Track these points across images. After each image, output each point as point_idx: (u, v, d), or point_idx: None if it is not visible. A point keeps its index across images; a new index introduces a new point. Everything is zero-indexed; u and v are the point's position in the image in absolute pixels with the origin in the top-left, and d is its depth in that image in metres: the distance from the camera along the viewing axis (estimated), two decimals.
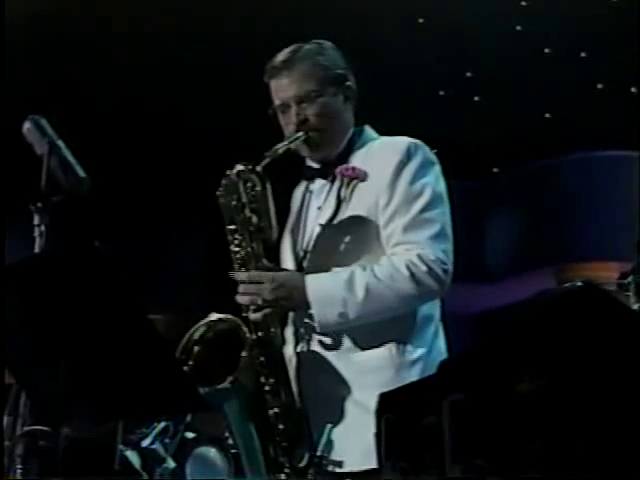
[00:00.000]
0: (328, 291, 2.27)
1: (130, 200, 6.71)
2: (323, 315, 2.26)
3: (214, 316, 2.38)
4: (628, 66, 5.53)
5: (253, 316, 2.30)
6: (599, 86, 6.11)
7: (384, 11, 5.54)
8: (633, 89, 6.01)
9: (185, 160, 6.50)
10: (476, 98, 6.43)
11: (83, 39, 5.70)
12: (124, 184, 6.41)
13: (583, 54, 5.91)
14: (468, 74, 6.22)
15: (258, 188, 2.34)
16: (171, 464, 3.95)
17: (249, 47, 5.30)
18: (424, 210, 2.32)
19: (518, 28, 5.82)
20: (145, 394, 2.07)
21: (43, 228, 2.25)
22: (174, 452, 4.01)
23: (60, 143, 2.33)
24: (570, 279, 6.58)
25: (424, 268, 2.25)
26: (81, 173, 2.32)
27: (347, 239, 2.36)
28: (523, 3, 5.68)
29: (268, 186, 2.34)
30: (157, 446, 3.96)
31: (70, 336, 2.02)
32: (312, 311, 2.27)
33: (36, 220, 2.26)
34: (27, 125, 2.36)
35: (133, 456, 3.85)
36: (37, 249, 2.23)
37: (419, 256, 2.26)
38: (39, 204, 2.24)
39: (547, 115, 6.44)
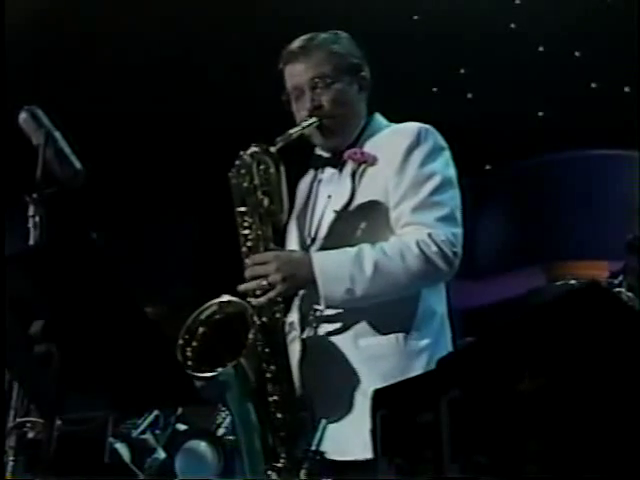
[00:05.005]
0: (335, 266, 2.23)
1: (126, 192, 6.69)
2: (329, 290, 2.21)
3: (225, 297, 2.34)
4: (622, 65, 5.54)
5: (256, 301, 2.25)
6: (593, 85, 6.12)
7: (378, 8, 5.53)
8: (627, 88, 6.02)
9: (181, 154, 6.47)
10: (469, 95, 6.42)
11: (79, 33, 5.67)
12: (119, 176, 6.39)
13: (577, 53, 5.91)
14: (462, 71, 6.22)
15: (272, 170, 2.31)
16: (161, 454, 3.94)
17: (248, 44, 5.30)
18: (433, 193, 2.31)
19: (512, 26, 5.82)
20: (139, 386, 2.07)
21: (38, 219, 2.24)
22: (165, 444, 4.00)
23: (57, 134, 2.32)
24: (560, 277, 6.58)
25: (434, 248, 2.24)
26: (77, 164, 2.31)
27: (359, 226, 2.33)
28: (517, 1, 5.68)
29: (282, 169, 2.32)
30: (148, 436, 3.96)
31: (64, 327, 2.01)
32: (318, 285, 2.22)
33: (31, 211, 2.25)
34: (23, 115, 2.35)
35: (123, 449, 3.84)
36: (32, 240, 2.22)
37: (430, 235, 2.24)
38: (34, 195, 2.23)
39: (540, 113, 6.44)
